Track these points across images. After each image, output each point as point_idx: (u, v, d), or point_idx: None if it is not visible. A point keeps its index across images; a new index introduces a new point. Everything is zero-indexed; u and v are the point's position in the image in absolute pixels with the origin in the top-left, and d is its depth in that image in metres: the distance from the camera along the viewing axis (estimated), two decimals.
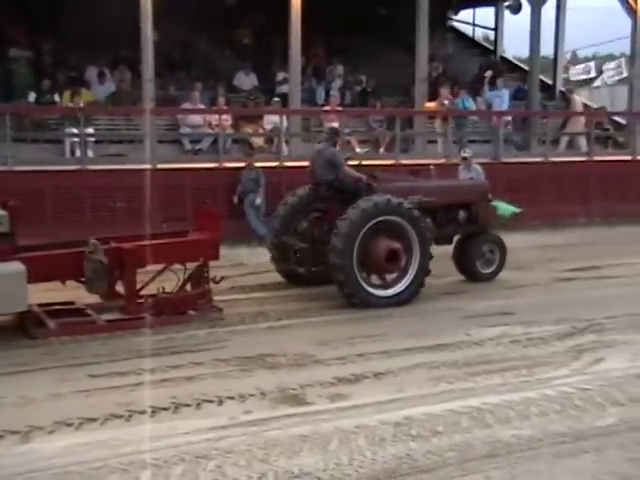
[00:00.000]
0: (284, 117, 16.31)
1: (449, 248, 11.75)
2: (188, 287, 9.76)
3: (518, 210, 13.04)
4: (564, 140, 20.40)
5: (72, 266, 9.05)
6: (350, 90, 20.41)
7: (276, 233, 11.25)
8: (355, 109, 19.54)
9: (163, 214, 13.63)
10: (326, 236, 10.33)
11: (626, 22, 20.24)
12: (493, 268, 11.86)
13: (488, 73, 21.37)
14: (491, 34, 28.03)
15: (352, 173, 10.77)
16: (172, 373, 7.56)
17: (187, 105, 17.27)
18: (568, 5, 23.63)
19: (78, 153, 14.97)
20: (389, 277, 10.47)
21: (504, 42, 27.04)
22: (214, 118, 16.69)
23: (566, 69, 28.84)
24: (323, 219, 10.97)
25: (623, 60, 28.76)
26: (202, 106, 17.36)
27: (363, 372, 7.62)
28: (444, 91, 18.67)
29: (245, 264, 12.31)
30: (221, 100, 17.52)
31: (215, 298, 9.85)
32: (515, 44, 30.61)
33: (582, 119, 20.55)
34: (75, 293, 9.62)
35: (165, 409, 6.64)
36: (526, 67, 23.20)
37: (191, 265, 9.76)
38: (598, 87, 31.16)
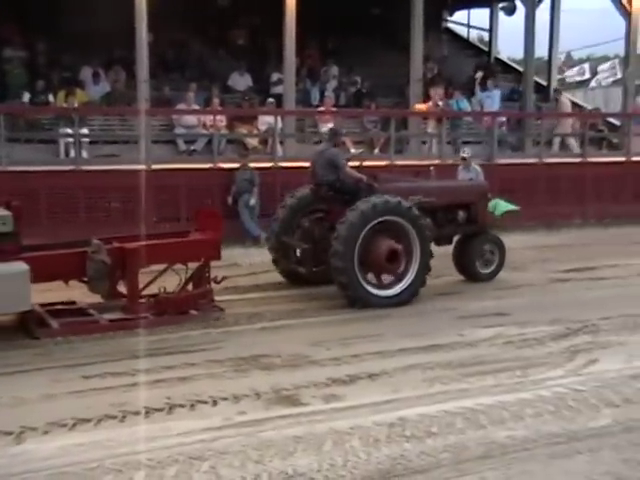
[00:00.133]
0: (279, 118, 16.29)
1: (445, 248, 11.76)
2: (189, 287, 9.79)
3: (513, 208, 13.09)
4: (557, 141, 20.46)
5: (75, 266, 9.07)
6: (345, 91, 20.42)
7: (277, 233, 11.27)
8: (350, 110, 19.53)
9: (157, 214, 13.63)
10: (327, 236, 10.35)
11: (620, 24, 20.31)
12: (492, 268, 11.91)
13: (479, 74, 21.42)
14: (486, 35, 28.10)
15: (353, 174, 10.80)
16: (166, 374, 7.55)
17: (182, 106, 17.25)
18: (562, 7, 23.68)
19: (72, 153, 14.92)
20: (390, 277, 10.50)
21: (499, 43, 27.13)
22: (209, 119, 16.67)
23: (561, 70, 28.92)
24: (324, 219, 11.00)
25: (617, 61, 28.87)
26: (197, 107, 17.35)
27: (357, 373, 7.61)
28: (433, 92, 18.67)
29: (239, 264, 12.29)
30: (215, 101, 17.49)
31: None
32: (510, 45, 30.62)
33: (570, 120, 20.65)
34: (73, 293, 9.63)
35: (159, 410, 6.64)
36: (520, 68, 23.24)
37: (192, 265, 9.78)
38: (592, 88, 31.27)
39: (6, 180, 12.98)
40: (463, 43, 27.56)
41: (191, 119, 17.13)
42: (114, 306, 9.44)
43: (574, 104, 23.86)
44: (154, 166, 14.19)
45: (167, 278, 9.69)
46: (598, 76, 31.87)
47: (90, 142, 15.64)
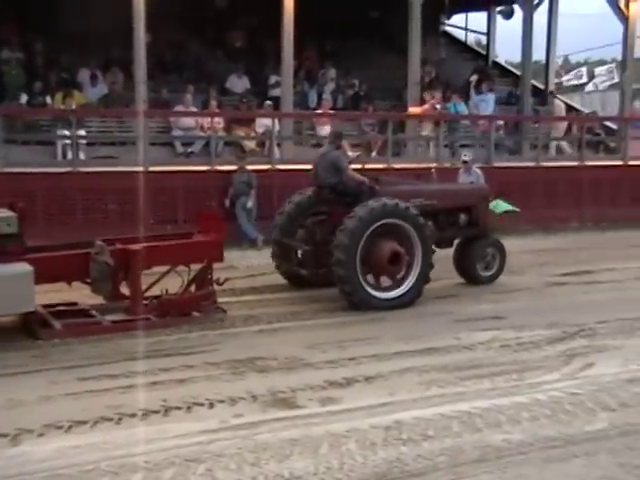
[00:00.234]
0: (276, 120, 16.29)
1: (443, 252, 11.76)
2: (192, 289, 9.82)
3: (513, 209, 13.12)
4: (553, 145, 20.50)
5: (78, 267, 9.09)
6: (342, 94, 20.43)
7: (278, 235, 11.30)
8: (347, 113, 19.56)
9: (155, 216, 13.62)
10: (329, 238, 10.36)
11: (618, 28, 20.32)
12: (493, 271, 11.95)
13: (473, 77, 21.43)
14: (483, 39, 28.11)
15: (355, 176, 10.83)
16: (163, 376, 7.55)
17: (179, 108, 17.26)
18: (560, 11, 23.75)
19: (70, 155, 14.92)
20: (392, 279, 10.53)
21: (496, 47, 27.17)
22: (206, 121, 16.69)
23: (558, 74, 28.95)
24: (326, 221, 11.01)
25: (614, 65, 28.90)
26: (194, 109, 17.36)
27: (354, 376, 7.61)
28: (428, 95, 18.67)
29: (236, 267, 12.29)
30: (213, 103, 17.52)
31: None
32: (507, 49, 30.72)
33: (564, 123, 20.69)
34: (72, 295, 9.64)
35: (155, 412, 6.63)
36: (518, 72, 23.26)
37: (194, 267, 9.80)
38: (589, 92, 31.29)
39: (3, 182, 12.97)
40: (461, 46, 27.58)
41: (189, 121, 17.13)
42: (116, 307, 9.46)
43: (571, 107, 23.92)
44: (151, 168, 14.18)
45: (169, 280, 9.72)
46: (595, 80, 31.87)
47: (87, 144, 15.68)
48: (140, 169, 13.80)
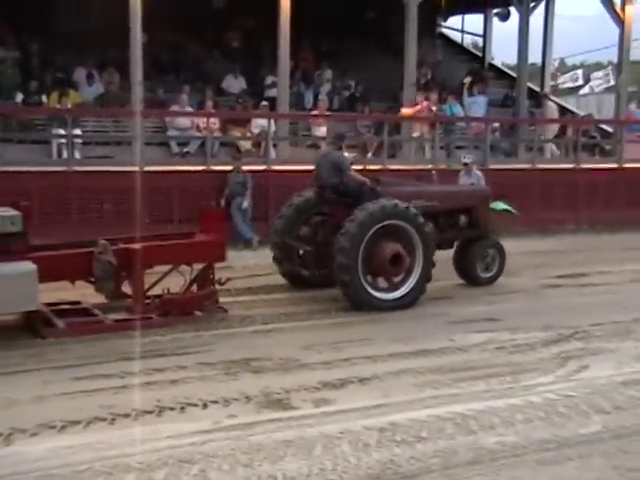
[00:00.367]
0: (272, 121, 16.28)
1: (439, 253, 11.75)
2: (194, 288, 9.85)
3: (512, 210, 13.15)
4: (549, 147, 20.53)
5: (82, 266, 9.12)
6: (338, 95, 20.42)
7: (279, 235, 11.31)
8: (343, 114, 19.54)
9: (150, 216, 13.59)
10: (330, 239, 10.37)
11: (614, 31, 20.34)
12: (493, 273, 11.98)
13: (467, 79, 21.42)
14: (480, 41, 28.15)
15: (357, 177, 10.85)
16: (156, 376, 7.54)
17: (175, 108, 17.24)
18: (557, 13, 23.77)
19: (65, 154, 14.89)
20: (393, 279, 10.54)
21: (492, 49, 27.17)
22: (202, 121, 16.68)
23: (554, 76, 29.00)
24: (327, 222, 11.03)
25: (610, 69, 28.95)
26: (190, 109, 17.34)
27: (348, 377, 7.61)
28: (420, 97, 18.66)
29: (232, 267, 12.23)
30: (209, 103, 17.50)
31: None
32: (503, 51, 30.77)
33: (555, 125, 20.73)
34: (72, 293, 9.64)
35: (149, 412, 6.62)
36: (514, 74, 23.27)
37: (196, 266, 9.83)
38: (585, 95, 31.35)
39: None
40: (457, 48, 27.61)
41: (184, 121, 17.11)
42: (118, 306, 9.48)
43: (566, 110, 23.94)
44: (147, 168, 14.14)
45: (171, 279, 9.73)
46: (591, 83, 31.96)
47: (83, 143, 15.63)
48: (136, 169, 13.77)
